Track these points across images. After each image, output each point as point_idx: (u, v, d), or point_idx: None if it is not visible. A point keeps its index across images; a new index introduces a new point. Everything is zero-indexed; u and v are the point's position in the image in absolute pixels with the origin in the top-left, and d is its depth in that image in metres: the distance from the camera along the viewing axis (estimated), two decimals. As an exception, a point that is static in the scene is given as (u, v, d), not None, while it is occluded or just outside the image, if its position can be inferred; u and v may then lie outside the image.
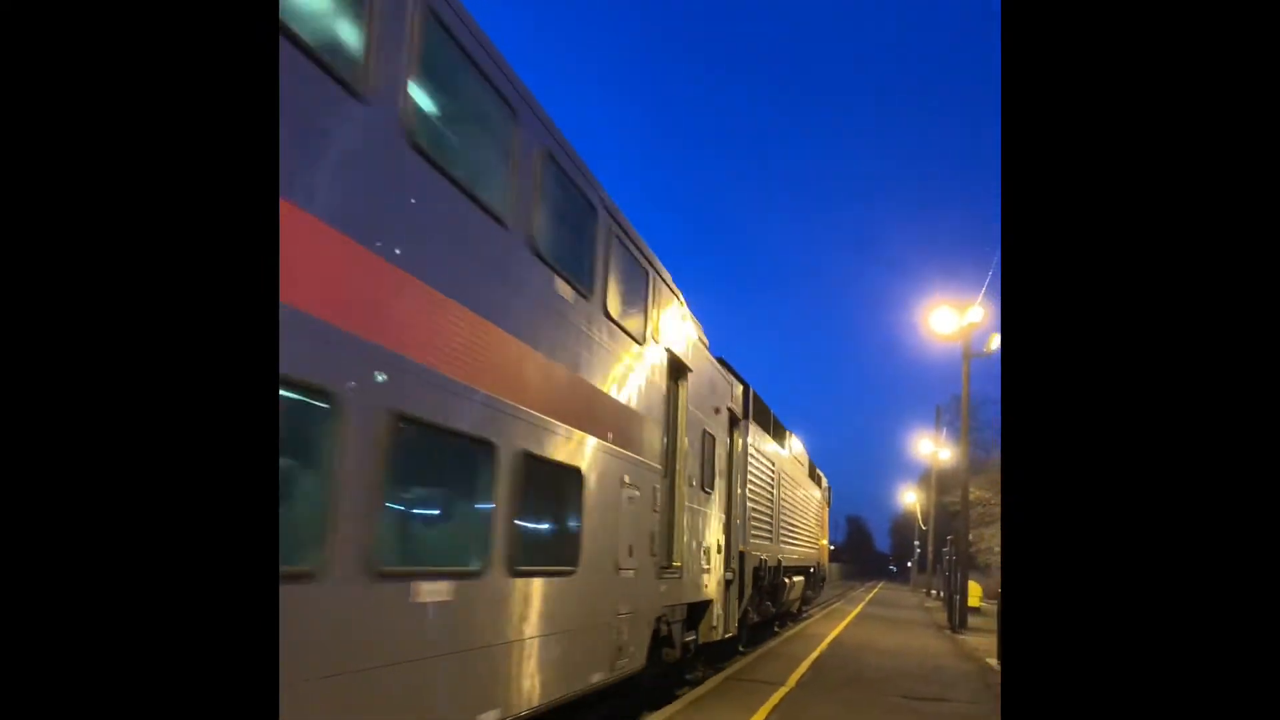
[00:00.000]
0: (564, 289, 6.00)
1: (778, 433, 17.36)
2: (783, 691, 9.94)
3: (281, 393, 2.89)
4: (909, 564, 73.70)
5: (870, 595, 42.52)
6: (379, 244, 3.98)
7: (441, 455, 4.72)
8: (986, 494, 37.17)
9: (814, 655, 13.81)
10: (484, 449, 4.88)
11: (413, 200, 4.28)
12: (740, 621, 12.54)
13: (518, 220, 5.32)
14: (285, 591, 2.72)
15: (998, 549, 25.63)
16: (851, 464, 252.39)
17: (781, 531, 16.69)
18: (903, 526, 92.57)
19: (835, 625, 20.76)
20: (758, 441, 14.15)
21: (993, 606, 22.85)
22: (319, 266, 3.56)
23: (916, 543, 62.82)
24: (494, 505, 4.97)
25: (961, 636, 19.63)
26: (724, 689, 10.02)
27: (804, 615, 24.09)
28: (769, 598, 15.68)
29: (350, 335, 3.76)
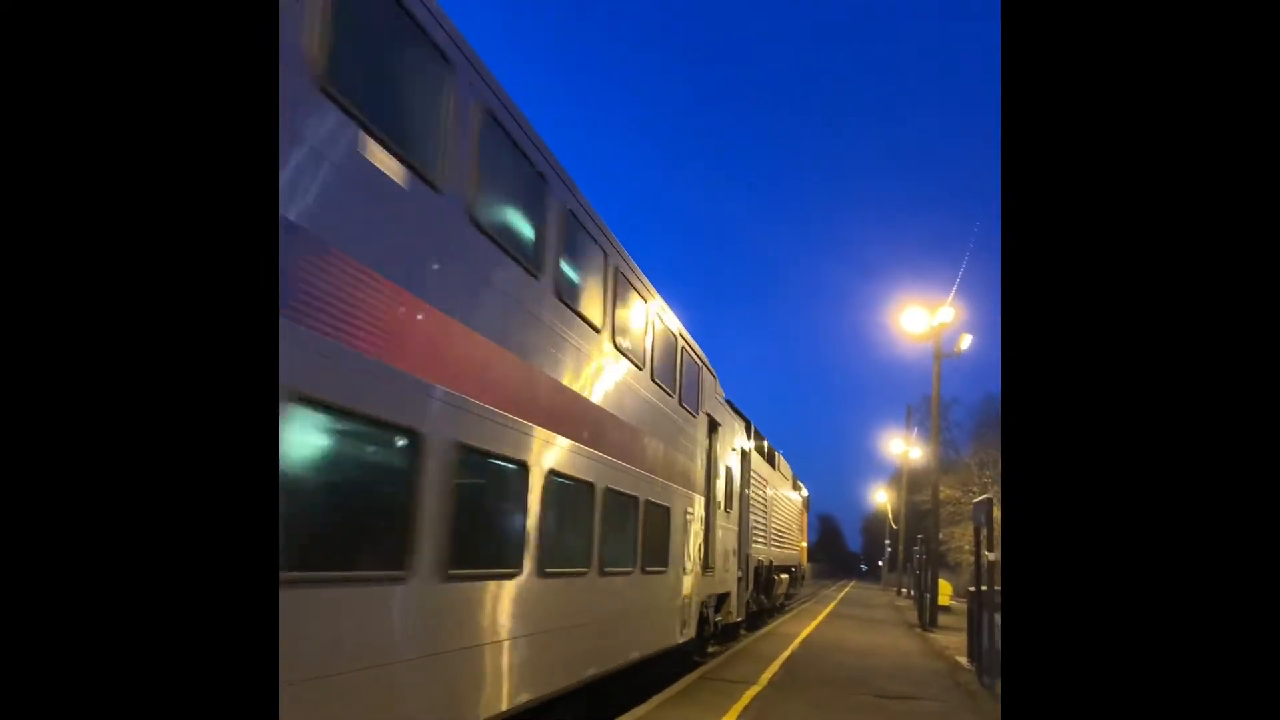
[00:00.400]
0: (668, 400, 10.24)
1: (770, 454, 22.27)
2: (754, 690, 10.39)
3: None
4: (880, 563, 73.71)
5: (842, 594, 43.20)
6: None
7: (615, 503, 8.76)
8: (956, 493, 39.88)
9: (785, 654, 14.26)
10: (633, 501, 9.02)
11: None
12: (746, 608, 16.92)
13: (645, 361, 9.42)
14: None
15: (968, 547, 26.64)
16: (824, 464, 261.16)
17: (772, 537, 21.24)
18: (874, 525, 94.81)
19: (806, 624, 21.20)
20: (757, 465, 18.73)
21: (962, 605, 23.35)
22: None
23: (887, 542, 64.77)
24: (637, 531, 9.13)
25: (932, 635, 20.38)
26: (695, 688, 10.41)
27: (787, 608, 28.46)
28: (764, 591, 20.27)
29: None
